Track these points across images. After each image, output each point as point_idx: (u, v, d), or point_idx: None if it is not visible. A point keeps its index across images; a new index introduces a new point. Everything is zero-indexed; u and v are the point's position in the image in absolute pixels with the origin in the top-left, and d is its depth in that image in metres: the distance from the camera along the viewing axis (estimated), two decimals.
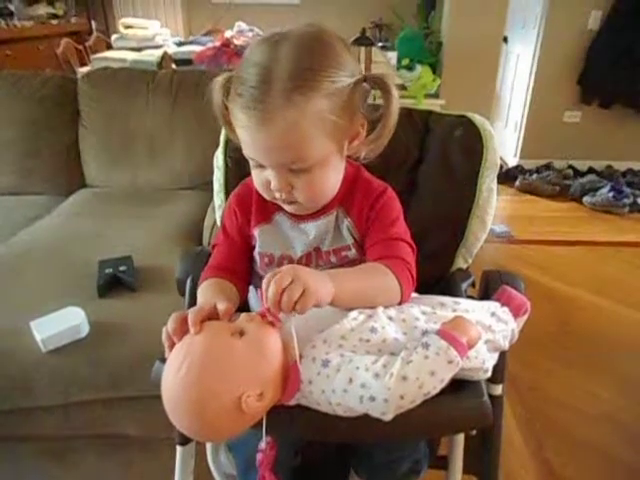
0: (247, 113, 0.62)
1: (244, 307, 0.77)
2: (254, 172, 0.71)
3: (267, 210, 0.78)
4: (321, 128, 0.63)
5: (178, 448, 0.83)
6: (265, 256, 0.78)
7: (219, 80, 0.69)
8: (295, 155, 0.64)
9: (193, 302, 0.74)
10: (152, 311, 1.16)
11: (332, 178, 0.71)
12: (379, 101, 0.74)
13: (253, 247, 0.80)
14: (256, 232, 0.78)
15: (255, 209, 0.78)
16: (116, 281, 1.25)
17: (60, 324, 1.07)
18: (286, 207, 0.73)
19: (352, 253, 0.76)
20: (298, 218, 0.77)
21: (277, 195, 0.69)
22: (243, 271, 0.78)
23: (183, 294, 0.85)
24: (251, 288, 0.82)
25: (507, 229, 2.73)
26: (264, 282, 0.57)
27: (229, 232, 0.80)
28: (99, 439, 1.13)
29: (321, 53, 0.63)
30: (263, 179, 0.69)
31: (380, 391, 0.53)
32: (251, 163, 0.70)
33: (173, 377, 0.55)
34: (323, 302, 0.58)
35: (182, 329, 0.59)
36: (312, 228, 0.76)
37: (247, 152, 0.67)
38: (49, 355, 1.06)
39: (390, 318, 0.63)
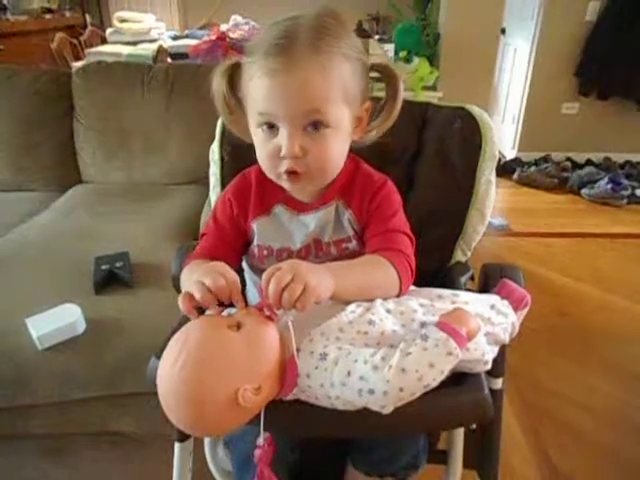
0: (273, 58, 0.61)
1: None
2: (263, 142, 0.67)
3: (266, 202, 0.76)
4: (341, 88, 0.64)
5: (176, 445, 0.82)
6: (264, 249, 0.77)
7: (224, 64, 0.69)
8: (315, 104, 0.62)
9: None
10: (149, 307, 1.16)
11: (342, 150, 0.70)
12: (377, 93, 0.74)
13: (246, 241, 0.79)
14: (254, 225, 0.77)
15: (254, 201, 0.77)
16: (113, 277, 1.24)
17: (56, 321, 1.07)
18: (290, 186, 0.70)
19: (352, 245, 0.76)
20: (297, 209, 0.76)
21: (283, 168, 0.66)
22: (229, 263, 0.75)
23: (179, 290, 0.84)
24: (249, 282, 0.81)
25: (505, 222, 2.73)
26: (264, 278, 0.56)
27: (220, 222, 0.78)
28: (97, 436, 1.12)
29: (339, 25, 0.66)
30: (272, 147, 0.66)
31: (379, 384, 0.52)
32: (260, 131, 0.66)
33: (169, 371, 0.54)
34: (323, 298, 0.57)
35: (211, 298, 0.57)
36: (312, 220, 0.75)
37: (262, 107, 0.64)
38: (45, 352, 1.05)
39: (388, 311, 0.62)
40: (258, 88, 0.64)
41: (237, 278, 0.60)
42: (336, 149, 0.68)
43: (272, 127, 0.65)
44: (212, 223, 0.79)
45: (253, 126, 0.68)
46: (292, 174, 0.66)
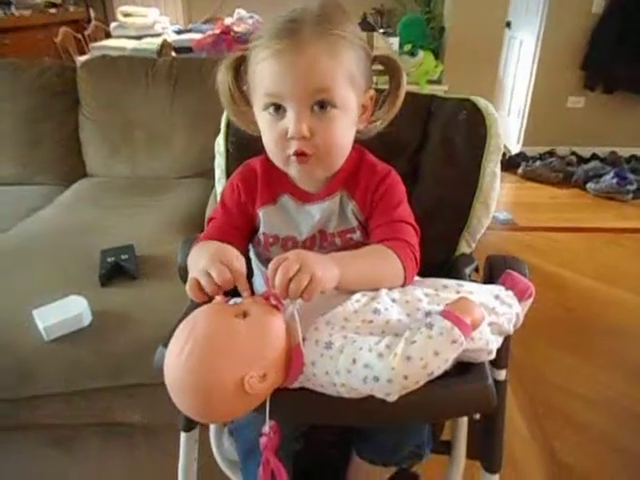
0: (280, 40, 0.62)
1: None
2: (269, 125, 0.67)
3: (272, 192, 0.77)
4: (348, 71, 0.65)
5: (182, 435, 0.83)
6: (270, 237, 0.77)
7: (229, 57, 0.70)
8: (322, 83, 0.63)
9: None
10: (154, 299, 1.17)
11: (348, 134, 0.70)
12: (381, 86, 0.74)
13: (253, 227, 0.79)
14: (261, 213, 0.77)
15: (260, 189, 0.77)
16: (118, 270, 1.25)
17: (63, 313, 1.08)
18: (298, 170, 0.69)
19: (357, 236, 0.76)
20: (303, 200, 0.76)
21: (291, 150, 0.66)
22: (236, 247, 0.73)
23: (185, 281, 0.85)
24: (256, 270, 0.82)
25: (510, 216, 2.72)
26: (270, 268, 0.56)
27: (228, 206, 0.78)
28: (103, 427, 1.13)
29: (343, 15, 0.67)
30: (280, 130, 0.66)
31: (384, 371, 0.52)
32: (267, 114, 0.67)
33: (176, 358, 0.55)
34: (328, 288, 0.58)
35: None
36: (317, 210, 0.75)
37: (269, 88, 0.64)
38: (52, 344, 1.06)
39: (393, 300, 0.63)
40: (265, 70, 0.64)
41: (243, 266, 0.61)
42: (343, 131, 0.68)
43: (279, 109, 0.65)
44: (220, 208, 0.79)
45: (259, 110, 0.68)
46: (300, 156, 0.66)
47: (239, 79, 0.71)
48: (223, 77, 0.71)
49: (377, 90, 0.74)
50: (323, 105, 0.64)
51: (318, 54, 0.62)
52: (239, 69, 0.71)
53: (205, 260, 0.60)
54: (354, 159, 0.76)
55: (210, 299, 0.59)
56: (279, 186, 0.76)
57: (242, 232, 0.78)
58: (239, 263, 0.61)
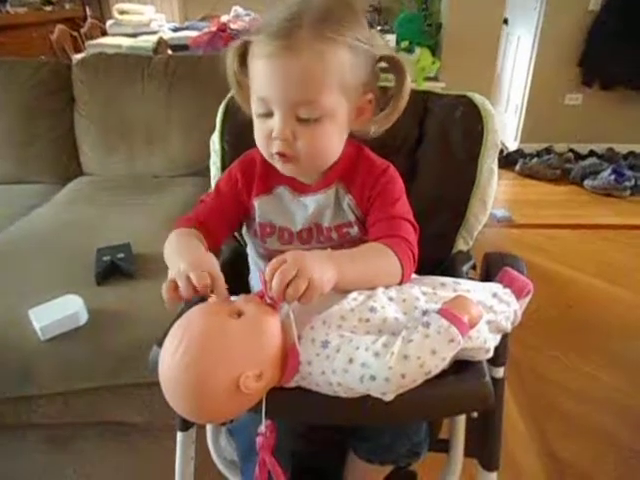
0: (274, 41, 0.62)
1: None
2: (257, 124, 0.69)
3: (269, 182, 0.77)
4: (339, 78, 0.64)
5: (179, 434, 0.83)
6: (266, 226, 0.77)
7: (237, 41, 0.70)
8: (308, 96, 0.63)
9: None
10: (151, 298, 1.15)
11: (335, 140, 0.70)
12: (385, 83, 0.73)
13: (245, 216, 0.79)
14: (256, 202, 0.77)
15: (258, 180, 0.77)
16: (114, 269, 1.24)
17: (59, 312, 1.07)
18: (282, 168, 0.71)
19: (354, 230, 0.75)
20: (299, 191, 0.76)
21: (275, 149, 0.67)
22: (218, 232, 0.75)
23: None
24: (253, 267, 0.81)
25: (508, 214, 2.72)
26: (268, 271, 0.56)
27: (222, 192, 0.79)
28: (101, 426, 1.13)
29: (349, 11, 0.66)
30: (266, 130, 0.67)
31: (381, 370, 0.52)
32: (256, 113, 0.68)
33: (170, 359, 0.54)
34: (326, 290, 0.57)
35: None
36: (312, 202, 0.75)
37: (259, 91, 0.66)
38: (48, 343, 1.06)
39: (390, 298, 0.62)
40: (258, 69, 0.65)
41: (220, 273, 0.60)
42: (328, 139, 0.68)
43: (268, 109, 0.66)
44: (214, 191, 0.80)
45: (253, 106, 0.69)
46: (282, 156, 0.68)
47: (244, 63, 0.71)
48: (230, 61, 0.71)
49: (380, 88, 0.73)
50: (307, 115, 0.64)
51: (308, 63, 0.61)
52: (245, 54, 0.70)
53: (184, 264, 0.58)
54: (351, 154, 0.76)
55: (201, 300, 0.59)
56: (277, 177, 0.76)
57: (229, 220, 0.78)
58: (218, 270, 0.60)
